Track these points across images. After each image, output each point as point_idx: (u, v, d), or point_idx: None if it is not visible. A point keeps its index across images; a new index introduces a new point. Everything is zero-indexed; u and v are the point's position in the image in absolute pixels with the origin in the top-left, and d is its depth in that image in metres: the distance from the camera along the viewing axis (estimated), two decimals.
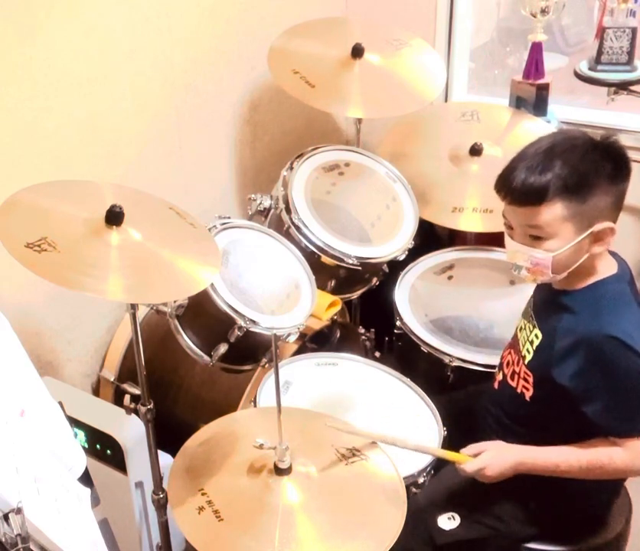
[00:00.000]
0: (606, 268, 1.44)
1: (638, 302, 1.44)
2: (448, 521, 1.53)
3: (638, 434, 1.39)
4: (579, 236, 1.37)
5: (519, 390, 1.53)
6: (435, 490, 1.59)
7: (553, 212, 1.36)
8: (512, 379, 1.56)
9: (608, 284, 1.43)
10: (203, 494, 1.31)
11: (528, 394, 1.50)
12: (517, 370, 1.54)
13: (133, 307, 1.50)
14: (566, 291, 1.45)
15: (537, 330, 1.50)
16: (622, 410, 1.39)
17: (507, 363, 1.59)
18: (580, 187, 1.35)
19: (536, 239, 1.39)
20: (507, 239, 1.46)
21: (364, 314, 2.36)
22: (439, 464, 1.60)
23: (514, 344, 1.60)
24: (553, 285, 1.48)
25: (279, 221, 2.00)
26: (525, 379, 1.51)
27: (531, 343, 1.51)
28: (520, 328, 1.58)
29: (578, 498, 1.51)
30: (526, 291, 1.70)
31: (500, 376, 1.62)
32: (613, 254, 1.49)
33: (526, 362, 1.51)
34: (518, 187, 1.38)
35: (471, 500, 1.57)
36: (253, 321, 1.66)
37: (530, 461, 1.46)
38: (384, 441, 1.44)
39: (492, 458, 1.46)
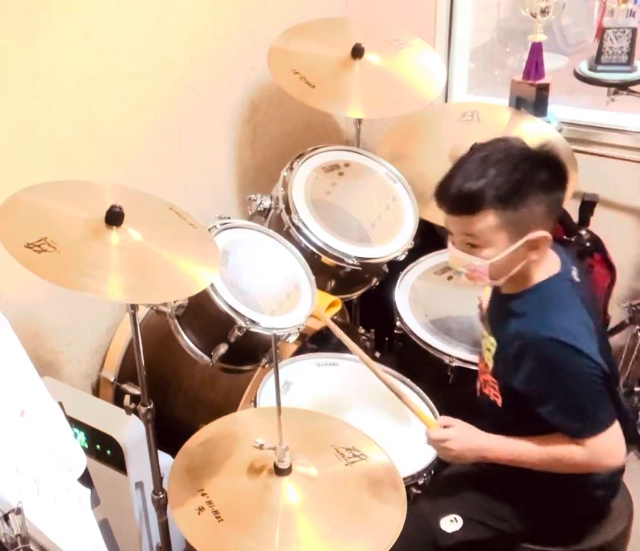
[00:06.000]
0: (549, 269, 1.45)
1: (582, 297, 1.45)
2: (450, 523, 1.53)
3: (592, 433, 1.39)
4: (514, 244, 1.39)
5: (492, 398, 1.54)
6: (437, 493, 1.59)
7: (487, 221, 1.37)
8: (485, 387, 1.57)
9: (550, 285, 1.44)
10: (203, 495, 1.31)
11: (499, 401, 1.52)
12: (486, 378, 1.56)
13: (133, 307, 1.50)
14: (512, 296, 1.47)
15: (492, 338, 1.51)
16: (573, 411, 1.39)
17: (480, 372, 1.61)
18: (513, 196, 1.36)
19: (473, 246, 1.41)
20: (449, 246, 1.48)
21: (364, 314, 2.36)
22: (439, 465, 1.60)
23: (480, 354, 1.61)
24: (502, 290, 1.49)
25: (279, 221, 2.00)
26: (493, 387, 1.52)
27: (489, 350, 1.52)
28: (483, 337, 1.60)
29: (579, 495, 1.52)
30: None
31: (478, 386, 1.63)
32: (557, 250, 1.49)
33: (490, 370, 1.53)
34: (454, 196, 1.40)
35: (473, 501, 1.57)
36: (253, 322, 1.66)
37: (494, 449, 1.46)
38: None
39: (458, 435, 1.46)
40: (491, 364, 1.51)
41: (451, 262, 1.50)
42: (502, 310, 1.50)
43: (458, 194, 1.39)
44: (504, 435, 1.48)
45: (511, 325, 1.45)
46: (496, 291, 1.54)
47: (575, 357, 1.36)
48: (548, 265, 1.45)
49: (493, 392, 1.52)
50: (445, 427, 1.48)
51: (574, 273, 1.49)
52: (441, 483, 1.61)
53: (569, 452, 1.41)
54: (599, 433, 1.38)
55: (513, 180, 1.36)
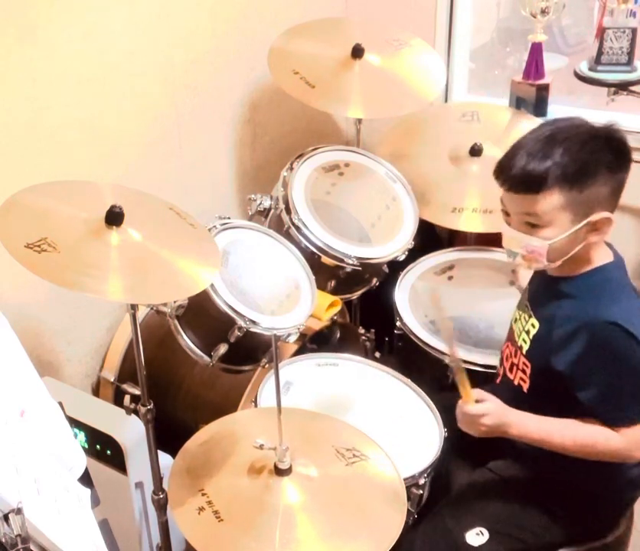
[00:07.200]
0: (603, 257, 1.44)
1: (633, 288, 1.45)
2: (476, 536, 1.50)
3: (630, 422, 1.38)
4: (576, 225, 1.37)
5: (516, 383, 1.53)
6: (461, 505, 1.57)
7: (551, 201, 1.35)
8: (511, 372, 1.56)
9: (608, 271, 1.43)
10: (203, 495, 1.31)
11: (525, 386, 1.50)
12: (515, 361, 1.54)
13: (133, 307, 1.50)
14: (564, 278, 1.45)
15: (533, 320, 1.50)
16: (617, 397, 1.39)
17: (507, 357, 1.60)
18: (579, 176, 1.34)
19: (532, 226, 1.39)
20: (503, 226, 1.46)
21: (364, 314, 2.35)
22: (439, 466, 1.59)
23: (510, 337, 1.60)
24: (549, 272, 1.47)
25: (279, 221, 2.00)
26: (523, 371, 1.51)
27: (527, 332, 1.50)
28: (515, 320, 1.59)
29: (605, 501, 1.51)
30: None
31: (501, 371, 1.62)
32: (608, 244, 1.49)
33: (524, 352, 1.51)
34: (517, 175, 1.37)
35: (498, 512, 1.54)
36: (253, 322, 1.66)
37: (524, 426, 1.44)
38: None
39: (494, 409, 1.43)
40: (527, 346, 1.49)
41: (505, 242, 1.46)
42: (550, 291, 1.47)
43: (523, 173, 1.36)
44: None
45: (563, 306, 1.43)
46: (540, 272, 1.51)
47: (632, 344, 1.34)
48: (604, 250, 1.44)
49: (521, 375, 1.50)
50: (479, 400, 1.44)
51: (625, 267, 1.48)
52: (465, 493, 1.60)
53: (605, 438, 1.39)
54: (637, 424, 1.37)
55: (580, 160, 1.34)
